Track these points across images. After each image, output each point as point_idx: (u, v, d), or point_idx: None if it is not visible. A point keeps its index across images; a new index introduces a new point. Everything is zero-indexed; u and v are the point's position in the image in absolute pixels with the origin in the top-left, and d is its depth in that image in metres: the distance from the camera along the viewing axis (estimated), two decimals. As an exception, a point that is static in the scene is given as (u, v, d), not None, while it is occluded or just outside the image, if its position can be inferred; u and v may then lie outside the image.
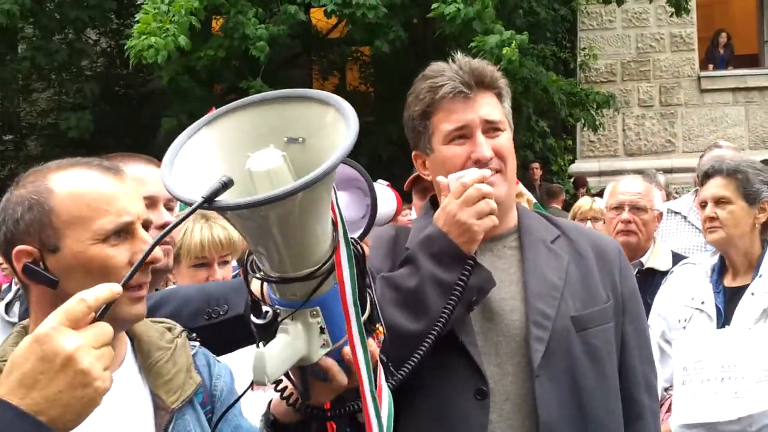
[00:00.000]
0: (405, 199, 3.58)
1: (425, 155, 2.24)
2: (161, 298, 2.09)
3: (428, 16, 11.20)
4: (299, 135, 1.45)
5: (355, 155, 1.43)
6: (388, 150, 13.39)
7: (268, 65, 11.60)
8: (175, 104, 12.69)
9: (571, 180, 15.55)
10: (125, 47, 10.40)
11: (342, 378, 1.57)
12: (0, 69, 14.31)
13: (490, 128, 2.16)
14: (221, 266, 3.06)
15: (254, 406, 1.88)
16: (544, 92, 12.95)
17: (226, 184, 1.34)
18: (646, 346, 2.35)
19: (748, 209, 3.38)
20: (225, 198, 1.34)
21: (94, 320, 1.26)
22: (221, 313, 2.00)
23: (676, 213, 5.14)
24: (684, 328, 3.41)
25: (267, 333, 1.49)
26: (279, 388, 1.63)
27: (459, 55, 2.23)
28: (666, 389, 3.44)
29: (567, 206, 11.36)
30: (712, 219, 3.41)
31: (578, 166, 16.34)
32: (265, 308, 1.50)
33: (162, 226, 2.27)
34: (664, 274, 3.87)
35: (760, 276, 3.32)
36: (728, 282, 3.42)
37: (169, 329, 1.82)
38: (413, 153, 2.29)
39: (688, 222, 5.03)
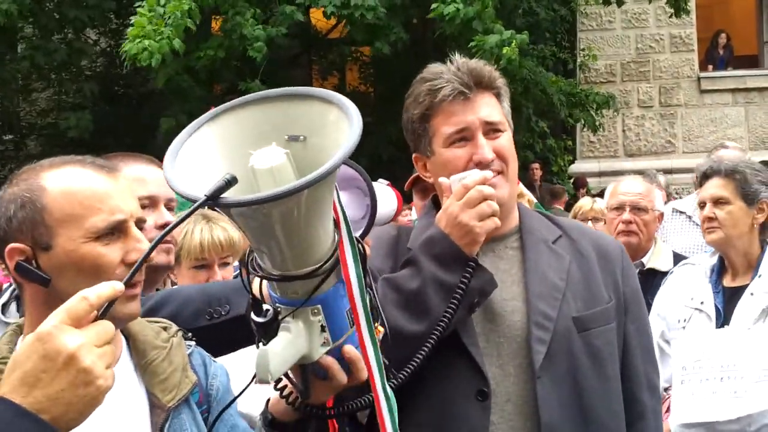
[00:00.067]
0: (405, 199, 3.58)
1: (426, 158, 2.23)
2: (162, 298, 2.08)
3: (428, 16, 11.19)
4: (301, 133, 1.45)
5: (355, 156, 1.43)
6: (388, 150, 13.37)
7: (267, 65, 11.59)
8: (174, 104, 12.66)
9: (571, 180, 15.53)
10: (120, 50, 10.39)
11: (342, 377, 1.57)
12: (-1, 69, 14.34)
13: (491, 129, 2.15)
14: (222, 268, 3.04)
15: (254, 398, 1.87)
16: (543, 93, 12.94)
17: (230, 182, 1.33)
18: (649, 346, 2.34)
19: (746, 209, 3.38)
20: (228, 195, 1.34)
21: (96, 318, 1.26)
22: (223, 313, 1.99)
23: (681, 212, 5.13)
24: (683, 328, 3.41)
25: (268, 331, 1.49)
26: (278, 386, 1.63)
27: (456, 56, 2.22)
28: (665, 389, 3.44)
29: (567, 207, 11.35)
30: (710, 219, 3.42)
31: (578, 167, 16.33)
32: (265, 307, 1.50)
33: (162, 226, 2.27)
34: (665, 274, 3.86)
35: (760, 276, 3.32)
36: (727, 282, 3.42)
37: (165, 329, 1.81)
38: (414, 155, 2.28)
39: (693, 222, 4.99)
